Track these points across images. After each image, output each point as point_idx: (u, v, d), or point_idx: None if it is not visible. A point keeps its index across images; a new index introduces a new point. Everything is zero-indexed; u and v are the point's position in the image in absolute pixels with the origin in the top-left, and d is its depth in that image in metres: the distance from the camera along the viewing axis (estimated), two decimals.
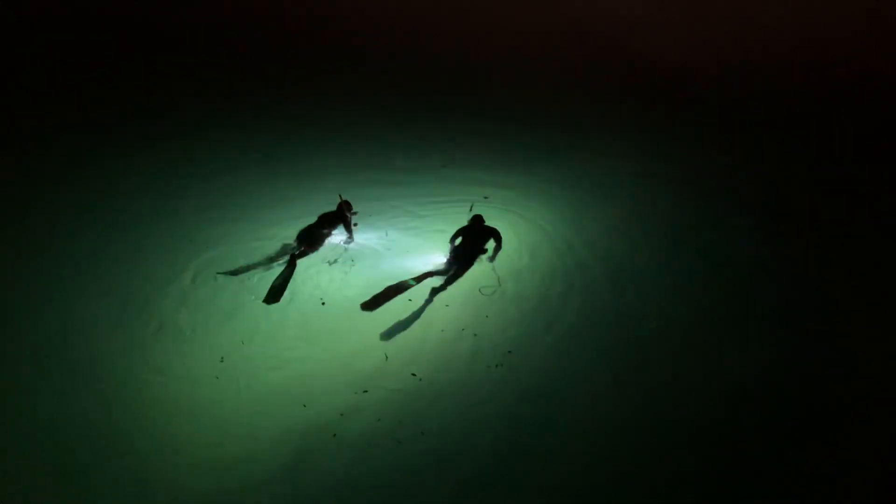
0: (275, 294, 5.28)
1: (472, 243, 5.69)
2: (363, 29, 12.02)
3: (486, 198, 6.26)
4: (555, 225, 6.51)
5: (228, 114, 8.58)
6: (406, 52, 11.08)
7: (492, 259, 5.73)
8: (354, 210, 6.16)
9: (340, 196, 6.07)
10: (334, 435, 4.19)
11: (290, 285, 5.40)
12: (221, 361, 4.68)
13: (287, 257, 5.67)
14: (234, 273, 5.49)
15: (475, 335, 5.10)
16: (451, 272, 5.55)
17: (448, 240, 5.89)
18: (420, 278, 5.41)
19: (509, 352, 4.93)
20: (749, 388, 4.74)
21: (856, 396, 4.72)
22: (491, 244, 5.85)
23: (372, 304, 5.25)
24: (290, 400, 4.44)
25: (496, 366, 4.81)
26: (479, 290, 5.49)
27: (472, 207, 6.18)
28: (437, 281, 5.50)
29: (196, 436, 4.11)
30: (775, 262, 6.09)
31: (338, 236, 6.05)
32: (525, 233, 6.33)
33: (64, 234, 5.90)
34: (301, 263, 5.66)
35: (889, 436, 4.43)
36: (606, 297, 5.56)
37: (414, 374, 4.70)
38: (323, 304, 5.33)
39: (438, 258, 5.80)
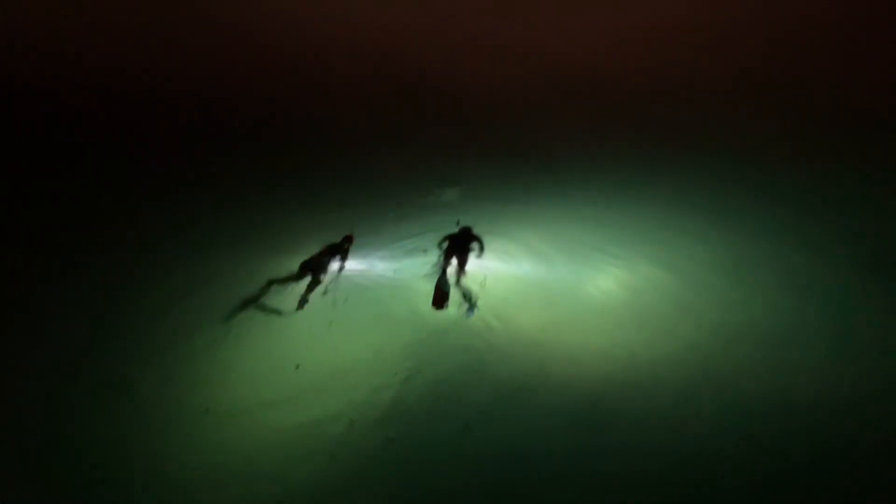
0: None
1: (458, 245, 6.67)
2: None
3: (458, 222, 7.02)
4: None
5: None
6: None
7: (479, 256, 6.66)
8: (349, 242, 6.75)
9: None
10: None
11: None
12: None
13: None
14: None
15: (437, 396, 5.22)
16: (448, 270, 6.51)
17: (437, 244, 6.75)
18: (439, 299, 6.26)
19: (478, 412, 5.03)
20: None
21: None
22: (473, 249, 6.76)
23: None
24: (257, 472, 4.51)
25: (465, 427, 4.90)
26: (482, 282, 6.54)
27: (458, 221, 6.99)
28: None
29: None
30: None
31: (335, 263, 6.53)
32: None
33: None
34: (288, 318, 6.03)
35: None
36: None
37: (389, 439, 4.78)
38: (297, 367, 5.46)
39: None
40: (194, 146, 9.09)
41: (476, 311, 6.36)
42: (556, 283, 6.69)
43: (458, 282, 6.62)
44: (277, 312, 6.08)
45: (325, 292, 6.40)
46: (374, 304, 6.30)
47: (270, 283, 6.31)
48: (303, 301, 6.09)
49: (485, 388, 5.29)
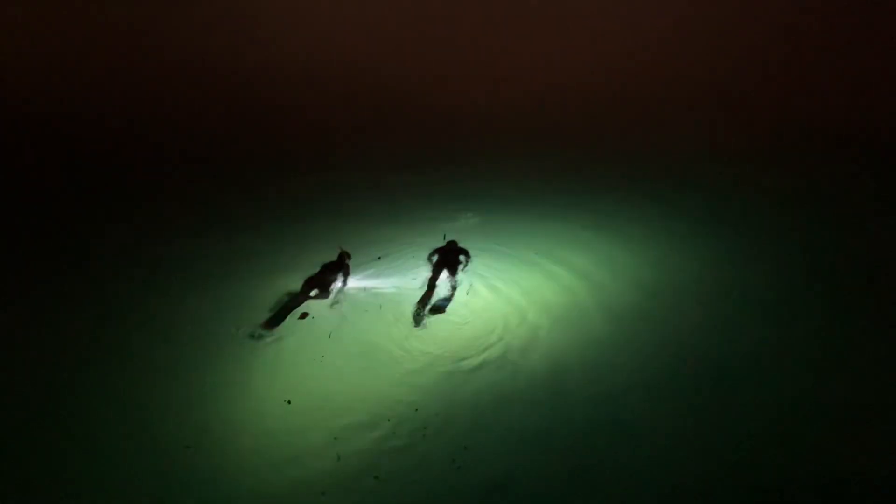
0: (273, 321, 6.36)
1: (447, 258, 7.22)
2: None
3: (444, 236, 7.65)
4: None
5: None
6: None
7: (464, 269, 7.31)
8: (349, 257, 7.16)
9: (340, 247, 7.12)
10: None
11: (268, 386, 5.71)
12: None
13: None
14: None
15: (424, 434, 5.20)
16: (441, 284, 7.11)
17: (426, 257, 7.37)
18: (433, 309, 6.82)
19: (465, 448, 5.07)
20: None
21: None
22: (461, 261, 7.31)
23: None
24: None
25: (452, 462, 4.92)
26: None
27: (445, 235, 7.69)
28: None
29: None
30: None
31: (338, 281, 6.96)
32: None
33: None
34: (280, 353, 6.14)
35: None
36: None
37: (377, 477, 4.80)
38: (288, 402, 5.52)
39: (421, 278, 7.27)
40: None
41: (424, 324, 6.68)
42: (542, 311, 6.80)
43: (451, 293, 7.08)
44: (269, 344, 6.18)
45: (332, 306, 6.74)
46: (364, 336, 6.40)
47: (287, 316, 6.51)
48: (271, 324, 6.37)
49: (471, 420, 5.31)
